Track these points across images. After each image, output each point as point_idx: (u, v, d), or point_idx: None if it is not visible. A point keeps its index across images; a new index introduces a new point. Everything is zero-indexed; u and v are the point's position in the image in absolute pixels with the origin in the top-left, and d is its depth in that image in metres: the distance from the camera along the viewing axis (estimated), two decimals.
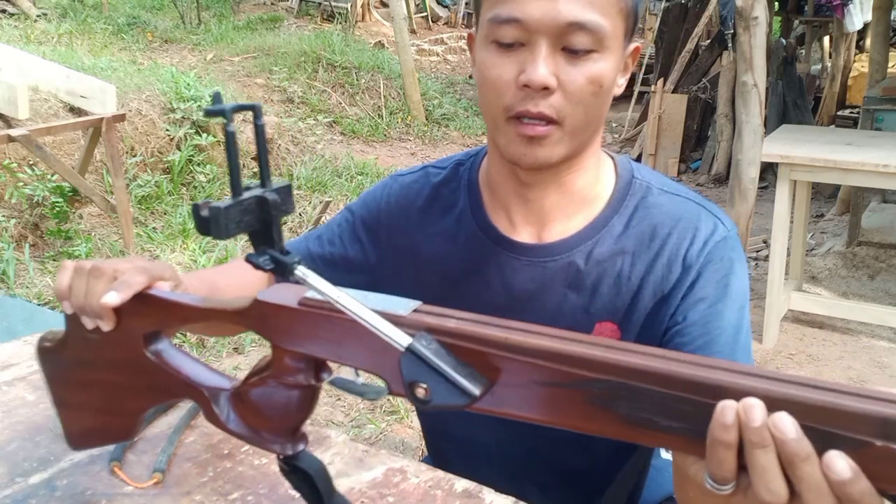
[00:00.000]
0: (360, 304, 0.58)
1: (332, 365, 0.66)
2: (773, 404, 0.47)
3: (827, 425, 0.46)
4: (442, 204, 1.01)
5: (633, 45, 0.90)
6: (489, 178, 0.98)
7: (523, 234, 0.95)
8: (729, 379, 0.49)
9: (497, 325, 0.57)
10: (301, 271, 0.59)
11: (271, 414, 0.66)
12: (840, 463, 0.46)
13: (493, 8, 0.84)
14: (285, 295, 0.63)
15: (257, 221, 0.58)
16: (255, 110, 0.59)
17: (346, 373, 0.64)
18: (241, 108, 0.57)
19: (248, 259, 0.59)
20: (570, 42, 0.81)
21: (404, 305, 0.60)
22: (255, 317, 0.65)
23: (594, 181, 0.94)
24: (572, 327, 0.93)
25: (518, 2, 0.81)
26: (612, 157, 0.98)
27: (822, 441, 0.47)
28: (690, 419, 0.50)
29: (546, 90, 0.82)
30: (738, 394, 0.48)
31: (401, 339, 0.56)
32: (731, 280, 0.90)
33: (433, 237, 1.00)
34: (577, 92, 0.83)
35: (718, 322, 0.88)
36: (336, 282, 1.08)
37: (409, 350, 0.55)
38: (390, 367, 0.58)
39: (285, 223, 4.32)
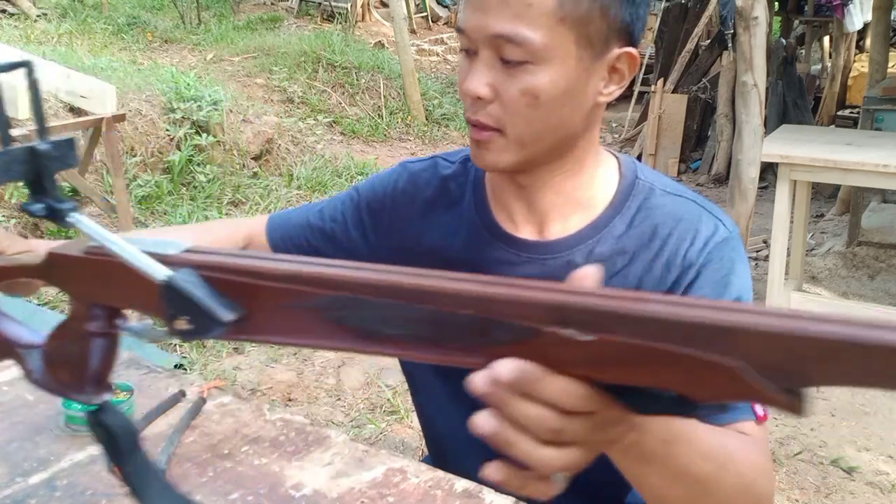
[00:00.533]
0: (126, 244, 0.60)
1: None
2: (455, 301, 0.51)
3: (499, 315, 0.49)
4: (448, 198, 1.02)
5: (620, 51, 0.86)
6: (492, 176, 0.99)
7: (524, 232, 0.96)
8: (422, 282, 0.52)
9: (255, 256, 0.60)
10: (74, 217, 0.61)
11: (73, 364, 0.68)
12: (505, 365, 0.49)
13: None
14: (76, 246, 0.66)
15: (30, 171, 0.60)
16: (28, 66, 0.61)
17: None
18: (11, 67, 0.60)
19: (24, 208, 0.62)
20: (502, 54, 0.83)
21: (176, 246, 0.62)
22: (48, 269, 0.67)
23: (589, 183, 0.95)
24: None
25: (465, 13, 0.85)
26: (617, 158, 0.99)
27: (498, 330, 0.50)
28: (405, 324, 0.53)
29: (481, 100, 0.84)
30: (428, 292, 0.52)
31: (159, 273, 0.58)
32: (731, 279, 0.90)
33: (435, 228, 1.01)
34: (511, 103, 0.84)
35: None
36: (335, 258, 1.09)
37: (167, 283, 0.58)
38: (162, 306, 0.60)
39: None
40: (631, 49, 0.87)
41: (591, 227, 0.94)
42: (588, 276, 0.51)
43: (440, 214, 1.02)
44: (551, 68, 0.83)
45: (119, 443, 0.71)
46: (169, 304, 0.58)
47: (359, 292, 0.54)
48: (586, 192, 0.95)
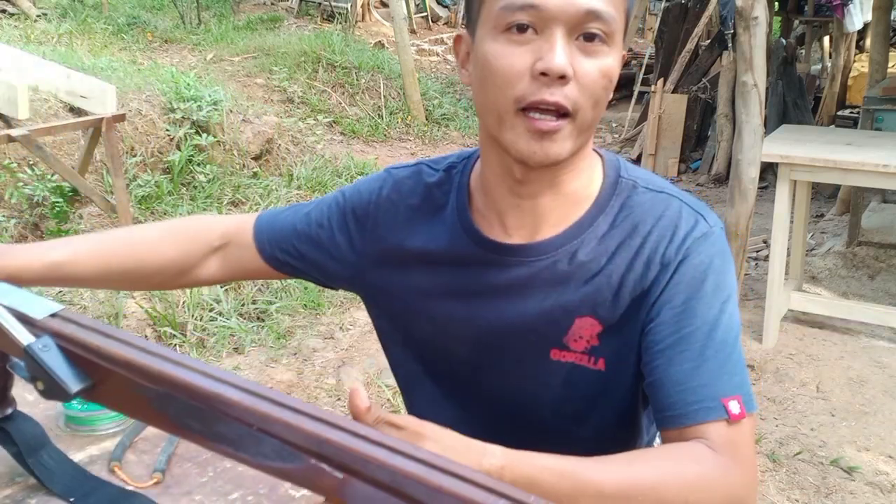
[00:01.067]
0: None
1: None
2: (243, 414, 0.57)
3: (279, 437, 0.56)
4: (432, 205, 1.01)
5: (623, 52, 0.89)
6: (482, 181, 0.98)
7: (516, 237, 0.95)
8: (221, 391, 0.59)
9: (107, 335, 0.66)
10: None
11: None
12: None
13: None
14: None
15: None
16: None
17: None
18: None
19: None
20: (585, 31, 0.81)
21: (42, 308, 0.70)
22: None
23: (587, 183, 0.95)
24: (552, 324, 0.93)
25: None
26: (601, 156, 0.98)
27: None
28: (209, 426, 0.60)
29: (563, 79, 0.81)
30: (224, 402, 0.58)
31: (23, 339, 0.67)
32: (708, 276, 0.89)
33: (419, 233, 1.01)
34: (591, 84, 0.82)
35: (690, 320, 0.87)
36: (321, 265, 1.10)
37: (27, 350, 0.66)
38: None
39: None
40: (624, 52, 0.90)
41: (575, 226, 0.93)
42: (357, 393, 0.63)
43: (424, 221, 1.01)
44: (615, 51, 0.84)
45: (20, 442, 0.84)
46: (27, 367, 0.66)
47: (174, 391, 0.61)
48: (585, 191, 0.94)
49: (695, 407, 0.84)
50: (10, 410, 0.84)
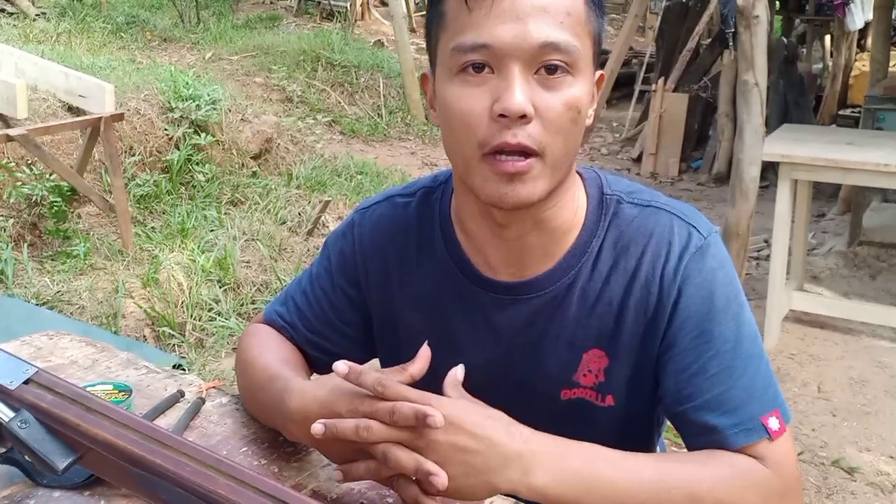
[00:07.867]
0: None
1: None
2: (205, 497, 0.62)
3: None
4: (418, 242, 0.97)
5: (598, 73, 0.86)
6: (461, 219, 0.93)
7: (503, 274, 0.92)
8: (178, 471, 0.61)
9: (85, 406, 0.66)
10: None
11: None
12: None
13: (455, 37, 0.78)
14: None
15: None
16: None
17: None
18: None
19: None
20: (544, 63, 0.76)
21: (18, 373, 0.67)
22: None
23: (573, 212, 0.90)
24: (561, 364, 0.91)
25: (483, 27, 0.76)
26: (581, 174, 0.94)
27: None
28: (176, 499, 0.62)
29: (524, 118, 0.76)
30: (193, 483, 0.61)
31: (4, 415, 0.65)
32: (715, 293, 0.86)
33: (413, 278, 0.97)
34: (556, 119, 0.77)
35: (710, 343, 0.84)
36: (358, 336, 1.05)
37: (7, 428, 0.65)
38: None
39: (284, 223, 4.30)
40: (602, 72, 0.88)
41: (569, 255, 0.90)
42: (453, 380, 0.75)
43: (412, 262, 0.97)
44: (585, 81, 0.80)
45: (28, 469, 0.80)
46: (10, 442, 0.65)
47: (158, 477, 0.62)
48: (572, 221, 0.90)
49: (734, 430, 0.82)
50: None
